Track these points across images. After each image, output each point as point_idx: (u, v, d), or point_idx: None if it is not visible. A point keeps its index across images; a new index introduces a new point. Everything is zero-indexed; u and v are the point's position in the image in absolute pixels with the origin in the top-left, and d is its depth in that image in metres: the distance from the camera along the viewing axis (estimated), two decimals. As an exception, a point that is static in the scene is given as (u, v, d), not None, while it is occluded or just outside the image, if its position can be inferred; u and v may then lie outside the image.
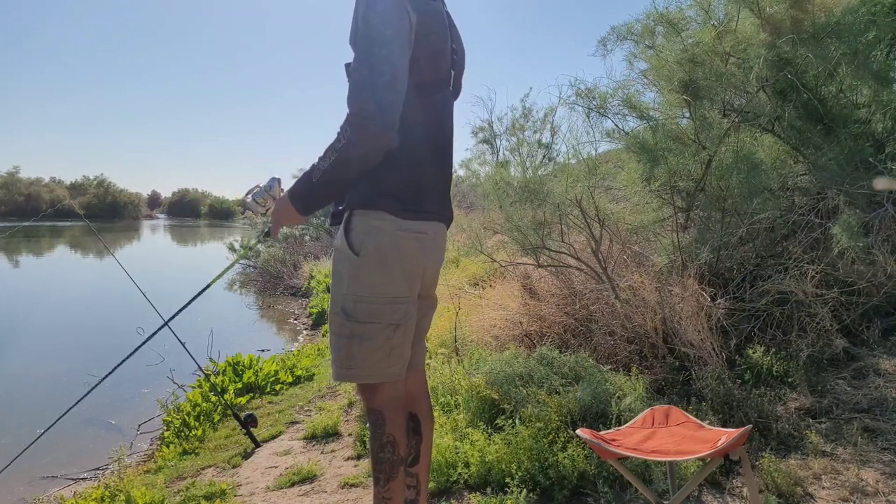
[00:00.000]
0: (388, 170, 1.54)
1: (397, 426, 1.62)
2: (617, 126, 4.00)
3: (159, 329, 2.90)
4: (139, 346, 2.78)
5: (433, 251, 1.68)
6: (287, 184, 1.69)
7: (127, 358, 2.82)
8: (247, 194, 1.77)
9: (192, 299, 2.39)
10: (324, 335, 7.75)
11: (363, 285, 1.55)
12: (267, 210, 1.76)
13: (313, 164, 1.52)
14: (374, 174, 1.55)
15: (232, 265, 2.04)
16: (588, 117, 3.98)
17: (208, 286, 2.37)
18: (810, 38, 3.28)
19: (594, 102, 3.92)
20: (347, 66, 1.58)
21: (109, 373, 2.83)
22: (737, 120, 3.54)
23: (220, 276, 2.38)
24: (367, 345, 1.56)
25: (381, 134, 1.43)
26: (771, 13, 3.43)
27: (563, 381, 2.95)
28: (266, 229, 1.72)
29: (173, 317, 2.74)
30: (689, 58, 3.42)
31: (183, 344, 3.99)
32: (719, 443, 1.66)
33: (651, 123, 3.66)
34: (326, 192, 1.54)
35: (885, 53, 3.37)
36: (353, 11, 1.54)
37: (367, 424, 1.68)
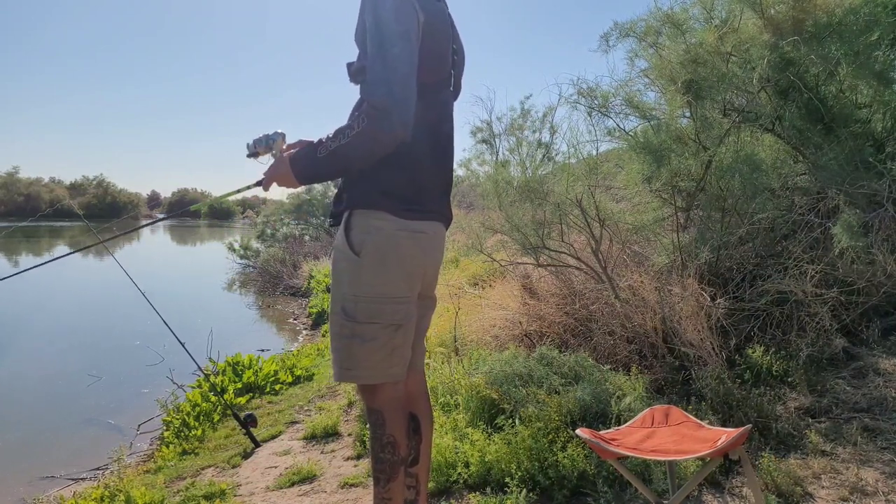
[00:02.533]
0: (388, 169, 1.54)
1: (398, 427, 1.62)
2: (618, 126, 4.00)
3: (70, 253, 2.81)
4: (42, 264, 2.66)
5: (433, 251, 1.67)
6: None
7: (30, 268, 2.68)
8: (251, 139, 1.78)
9: (157, 221, 2.31)
10: (324, 335, 7.74)
11: (363, 285, 1.55)
12: (258, 155, 1.75)
13: (321, 139, 1.52)
14: (374, 173, 1.55)
15: (211, 202, 2.00)
16: (590, 116, 3.98)
17: (184, 211, 2.33)
18: (812, 37, 3.28)
19: (596, 101, 3.92)
20: (350, 65, 1.58)
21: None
22: (737, 120, 3.55)
23: (198, 207, 2.35)
24: (368, 345, 1.56)
25: (397, 129, 1.44)
26: (773, 14, 3.43)
27: (563, 380, 2.95)
28: (259, 180, 1.72)
29: (104, 241, 2.61)
30: (693, 58, 3.42)
31: (182, 344, 3.98)
32: (719, 442, 1.66)
33: (652, 123, 3.66)
34: (327, 170, 1.55)
35: (885, 53, 3.37)
36: (359, 9, 1.54)
37: (368, 425, 1.68)
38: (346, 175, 1.59)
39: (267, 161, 1.72)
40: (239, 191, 1.91)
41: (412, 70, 1.46)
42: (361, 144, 1.45)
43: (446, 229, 1.75)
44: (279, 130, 1.75)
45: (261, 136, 1.76)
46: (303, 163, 1.56)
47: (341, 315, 1.57)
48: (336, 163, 1.50)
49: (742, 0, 3.49)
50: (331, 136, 1.49)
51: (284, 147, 1.74)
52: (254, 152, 1.76)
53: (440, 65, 1.62)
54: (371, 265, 1.54)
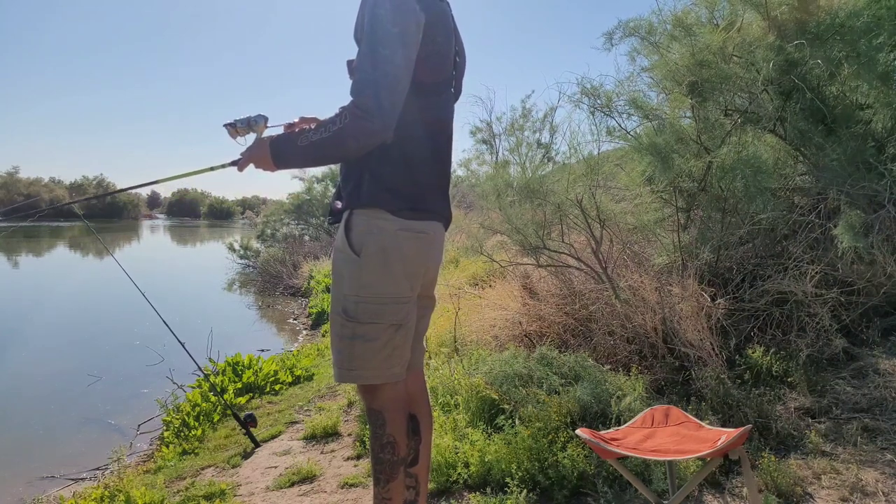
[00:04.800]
0: (389, 169, 1.54)
1: (398, 427, 1.62)
2: (620, 126, 3.98)
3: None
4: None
5: (433, 251, 1.67)
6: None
7: None
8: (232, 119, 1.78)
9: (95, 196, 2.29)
10: (323, 335, 7.74)
11: (364, 286, 1.54)
12: (238, 135, 1.75)
13: (303, 129, 1.53)
14: (375, 173, 1.55)
15: (187, 175, 1.98)
16: (592, 115, 3.96)
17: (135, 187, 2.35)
18: (814, 38, 3.28)
19: (599, 101, 3.91)
20: (350, 62, 1.58)
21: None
22: (739, 120, 3.54)
23: (167, 179, 2.35)
24: (369, 345, 1.56)
25: (379, 132, 1.44)
26: (776, 15, 3.42)
27: (563, 380, 2.95)
28: (235, 160, 1.72)
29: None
30: (698, 61, 3.41)
31: (182, 344, 3.98)
32: (719, 442, 1.66)
33: (654, 123, 3.66)
34: (304, 159, 1.57)
35: (888, 54, 3.37)
36: (359, 6, 1.54)
37: (368, 425, 1.68)
38: (318, 165, 1.63)
39: (244, 142, 1.72)
40: (213, 168, 1.89)
41: (402, 73, 1.46)
42: (341, 141, 1.46)
43: (446, 230, 1.75)
44: (263, 114, 1.76)
45: (243, 117, 1.76)
46: (282, 148, 1.57)
47: (342, 315, 1.57)
48: (314, 154, 1.52)
49: (746, 1, 3.49)
50: (314, 127, 1.51)
51: (265, 132, 1.74)
52: (231, 129, 1.75)
53: (441, 65, 1.62)
54: (372, 265, 1.54)
